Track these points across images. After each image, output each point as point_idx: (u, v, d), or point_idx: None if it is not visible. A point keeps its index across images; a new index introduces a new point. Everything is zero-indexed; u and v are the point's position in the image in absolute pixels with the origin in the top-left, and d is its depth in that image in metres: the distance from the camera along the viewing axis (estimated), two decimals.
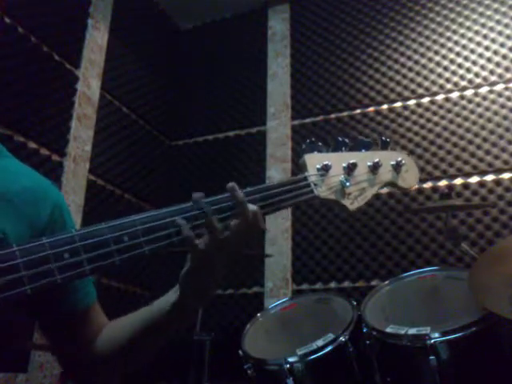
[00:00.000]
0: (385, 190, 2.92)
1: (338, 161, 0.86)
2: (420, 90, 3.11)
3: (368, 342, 1.75)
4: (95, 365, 0.87)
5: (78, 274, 0.66)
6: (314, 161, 0.86)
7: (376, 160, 0.88)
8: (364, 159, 0.88)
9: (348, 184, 0.85)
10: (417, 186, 2.83)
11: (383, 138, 0.92)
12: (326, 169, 0.84)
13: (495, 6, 3.11)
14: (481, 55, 3.04)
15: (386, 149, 0.92)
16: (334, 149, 0.87)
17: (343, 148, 0.87)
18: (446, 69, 3.10)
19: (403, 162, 0.91)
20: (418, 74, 3.16)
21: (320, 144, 0.86)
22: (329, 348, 1.72)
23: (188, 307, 0.79)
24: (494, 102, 2.92)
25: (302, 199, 0.83)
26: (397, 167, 0.91)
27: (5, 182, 0.80)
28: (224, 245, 0.73)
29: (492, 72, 2.98)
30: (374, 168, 0.88)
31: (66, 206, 0.90)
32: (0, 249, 0.63)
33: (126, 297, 2.98)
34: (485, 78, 2.98)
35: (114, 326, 0.88)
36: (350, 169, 0.85)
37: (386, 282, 2.01)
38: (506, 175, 2.78)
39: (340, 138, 0.87)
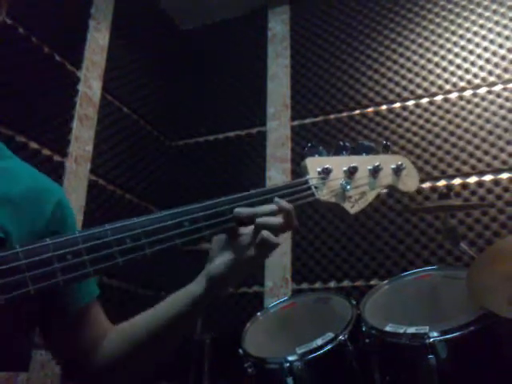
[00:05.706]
0: (384, 190, 2.93)
1: (338, 164, 0.87)
2: (419, 91, 3.13)
3: (367, 340, 1.76)
4: (102, 372, 0.86)
5: (80, 275, 0.66)
6: (315, 164, 0.87)
7: (376, 164, 0.89)
8: (364, 163, 0.90)
9: (349, 187, 0.86)
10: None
11: (384, 142, 0.93)
12: (326, 172, 0.86)
13: (494, 7, 3.12)
14: (479, 56, 3.05)
15: (386, 153, 0.93)
16: (335, 152, 0.89)
17: (344, 152, 0.88)
18: (444, 70, 3.11)
19: (403, 165, 0.92)
20: (416, 74, 3.17)
21: (321, 148, 0.87)
22: (328, 347, 1.73)
23: (211, 298, 0.82)
24: (492, 102, 2.93)
25: (302, 202, 0.83)
26: (397, 171, 0.93)
27: (7, 183, 0.80)
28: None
29: (490, 73, 2.99)
30: (375, 172, 0.89)
31: (67, 202, 0.90)
32: (2, 249, 0.63)
33: (127, 297, 2.99)
34: (483, 79, 3.00)
35: (127, 328, 0.87)
36: (351, 172, 0.87)
37: (385, 282, 2.03)
38: (504, 175, 2.79)
39: (341, 142, 0.89)
